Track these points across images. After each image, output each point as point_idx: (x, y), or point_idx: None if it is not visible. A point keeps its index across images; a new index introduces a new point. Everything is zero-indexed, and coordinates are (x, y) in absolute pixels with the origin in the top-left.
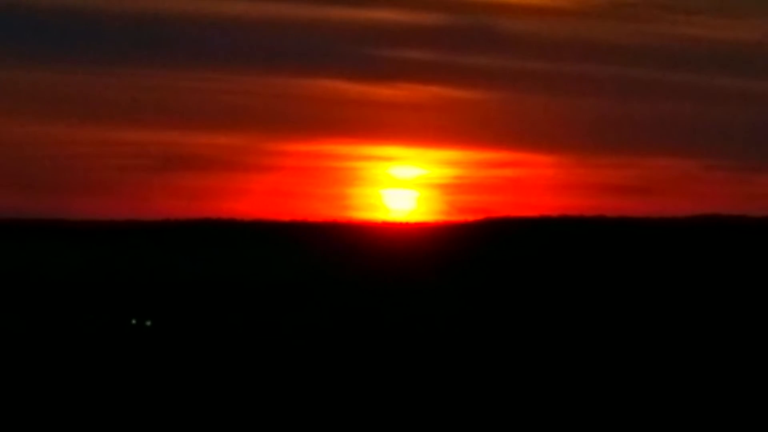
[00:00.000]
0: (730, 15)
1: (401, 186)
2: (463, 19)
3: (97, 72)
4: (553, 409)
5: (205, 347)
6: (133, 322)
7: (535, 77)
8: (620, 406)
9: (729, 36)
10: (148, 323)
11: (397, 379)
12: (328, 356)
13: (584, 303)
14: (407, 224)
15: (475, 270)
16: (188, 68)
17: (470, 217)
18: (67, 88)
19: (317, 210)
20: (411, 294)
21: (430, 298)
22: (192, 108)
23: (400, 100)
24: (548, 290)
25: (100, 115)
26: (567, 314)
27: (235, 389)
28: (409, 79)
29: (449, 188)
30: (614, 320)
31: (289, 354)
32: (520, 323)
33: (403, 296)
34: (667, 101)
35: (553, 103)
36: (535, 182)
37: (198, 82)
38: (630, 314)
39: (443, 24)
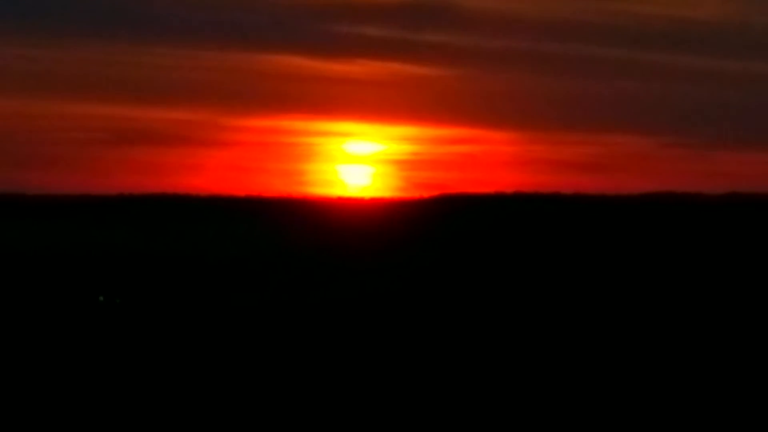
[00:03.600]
0: None
1: (358, 162)
2: None
3: (53, 46)
4: (508, 386)
5: (162, 322)
6: (101, 299)
7: (493, 54)
8: (575, 385)
9: (686, 14)
10: (118, 300)
11: (353, 355)
12: (283, 332)
13: (539, 279)
14: (363, 200)
15: (429, 245)
16: (145, 43)
17: (426, 193)
18: (23, 62)
19: (273, 185)
20: (366, 269)
21: (385, 274)
22: (148, 83)
23: (357, 77)
24: (503, 266)
25: (56, 89)
26: (522, 290)
27: (193, 365)
28: (366, 56)
29: (406, 164)
30: (569, 297)
31: (244, 329)
32: (475, 299)
33: (358, 271)
34: (624, 79)
35: (510, 80)
36: (492, 159)
37: (155, 57)
38: (586, 292)
39: (401, 1)
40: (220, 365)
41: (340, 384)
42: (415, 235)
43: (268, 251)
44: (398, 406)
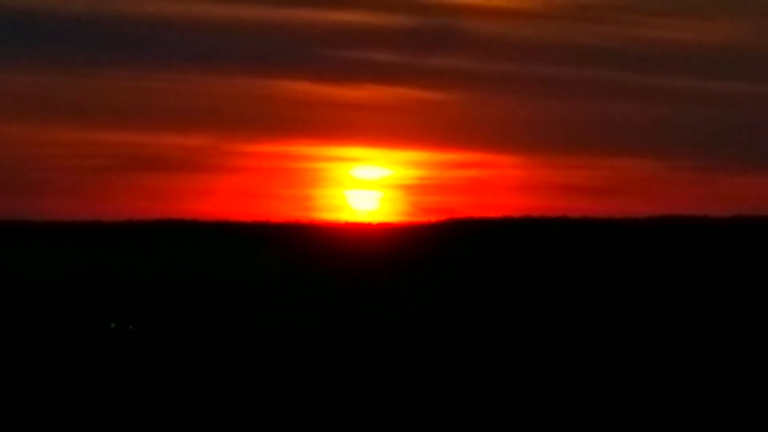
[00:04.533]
0: (695, 16)
1: (365, 187)
2: (428, 21)
3: (60, 72)
4: (517, 408)
5: (170, 348)
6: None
7: (500, 79)
8: (588, 406)
9: (693, 37)
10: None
11: (360, 379)
12: (291, 356)
13: (547, 303)
14: (371, 225)
15: (438, 270)
16: (151, 69)
17: (434, 218)
18: (29, 88)
19: (281, 211)
20: (374, 294)
21: (394, 298)
22: (154, 109)
23: (364, 101)
24: (511, 291)
25: (61, 115)
26: (530, 315)
27: (201, 390)
28: (373, 81)
29: (413, 189)
30: (577, 321)
31: (252, 354)
32: (483, 324)
33: (366, 296)
34: (630, 102)
35: (517, 105)
36: (500, 183)
37: (161, 83)
38: (593, 315)
39: (408, 25)
40: (232, 388)
41: (352, 402)
42: (424, 260)
43: (275, 276)
44: (409, 426)
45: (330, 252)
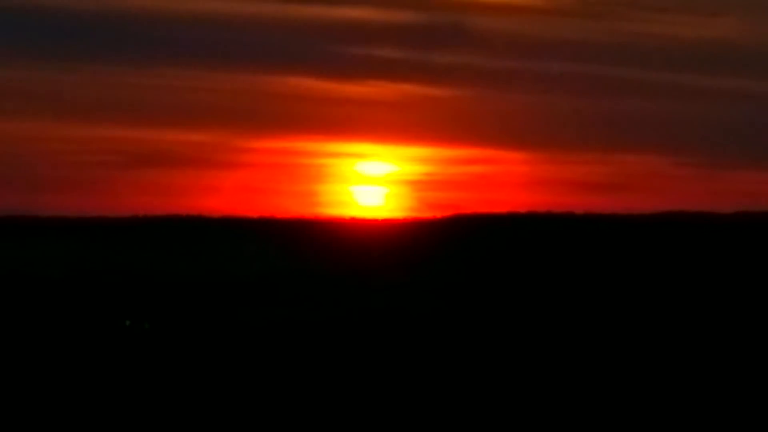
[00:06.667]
0: (700, 13)
1: (371, 182)
2: (433, 17)
3: (66, 69)
4: (520, 403)
5: (176, 343)
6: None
7: (505, 75)
8: (590, 401)
9: (698, 34)
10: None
11: (366, 375)
12: (296, 352)
13: (552, 299)
14: (377, 220)
15: (443, 266)
16: (157, 65)
17: (439, 214)
18: (36, 84)
19: (286, 206)
20: (380, 290)
21: (399, 294)
22: (161, 105)
23: (369, 98)
24: (516, 286)
25: (68, 112)
26: (535, 310)
27: (205, 385)
28: (378, 77)
29: (419, 185)
30: (582, 316)
31: (257, 350)
32: (489, 319)
33: (372, 292)
34: (635, 98)
35: (522, 101)
36: (505, 179)
37: (167, 79)
38: (598, 310)
39: (413, 22)
40: (231, 382)
41: (357, 398)
42: (429, 255)
43: (281, 271)
44: (411, 420)
45: (336, 247)
